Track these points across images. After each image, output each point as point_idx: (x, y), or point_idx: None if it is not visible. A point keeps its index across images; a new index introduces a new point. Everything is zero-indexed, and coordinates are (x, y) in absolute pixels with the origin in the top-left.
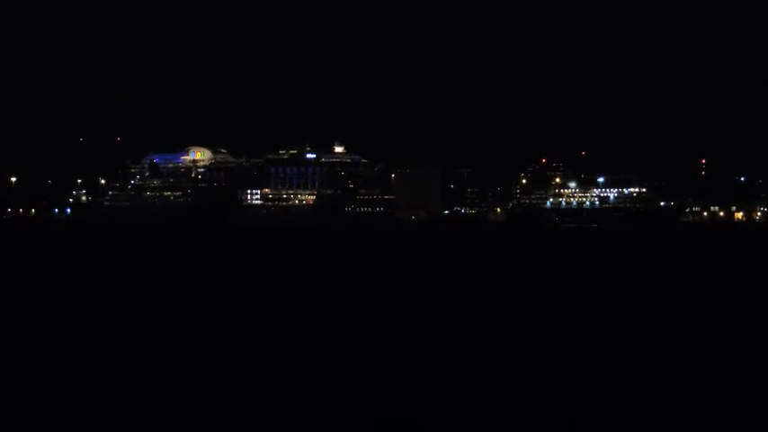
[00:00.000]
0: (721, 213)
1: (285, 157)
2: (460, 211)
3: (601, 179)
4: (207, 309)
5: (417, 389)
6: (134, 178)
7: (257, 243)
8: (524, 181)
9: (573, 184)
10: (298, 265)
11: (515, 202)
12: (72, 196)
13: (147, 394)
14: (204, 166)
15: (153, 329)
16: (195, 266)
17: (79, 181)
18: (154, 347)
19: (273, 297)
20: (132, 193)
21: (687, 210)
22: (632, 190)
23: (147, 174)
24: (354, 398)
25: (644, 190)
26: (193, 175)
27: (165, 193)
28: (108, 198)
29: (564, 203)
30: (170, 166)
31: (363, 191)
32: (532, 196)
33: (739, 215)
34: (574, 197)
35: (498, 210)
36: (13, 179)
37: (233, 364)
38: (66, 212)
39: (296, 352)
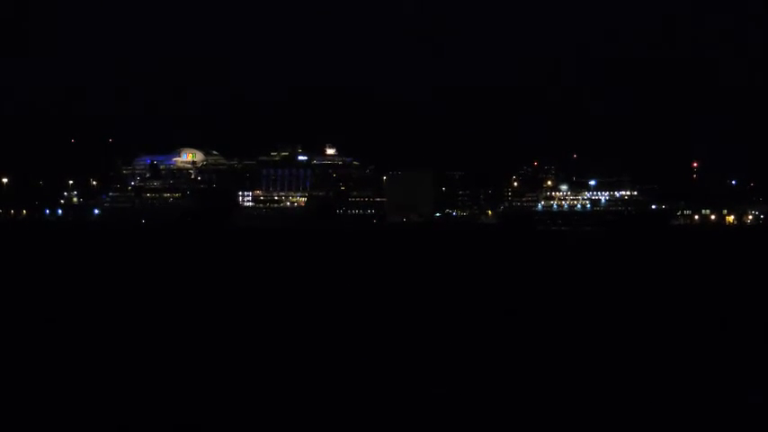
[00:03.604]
0: (713, 216)
1: (277, 158)
2: (452, 213)
3: (592, 182)
4: (207, 311)
5: (410, 390)
6: (134, 179)
7: (258, 245)
8: (516, 184)
9: (564, 187)
10: (295, 266)
11: (507, 204)
12: (63, 198)
13: (139, 398)
14: (196, 168)
15: (156, 332)
16: (199, 268)
17: (71, 182)
18: (146, 350)
19: (270, 299)
20: (132, 194)
21: (679, 213)
22: (624, 193)
23: (147, 175)
24: (350, 398)
25: (635, 193)
26: (193, 177)
27: (165, 195)
28: (108, 200)
29: (555, 206)
30: (162, 167)
31: (355, 193)
32: (524, 199)
33: (730, 218)
34: (565, 200)
35: (490, 212)
36: (5, 180)
37: (229, 367)
38: (58, 214)
39: (293, 354)
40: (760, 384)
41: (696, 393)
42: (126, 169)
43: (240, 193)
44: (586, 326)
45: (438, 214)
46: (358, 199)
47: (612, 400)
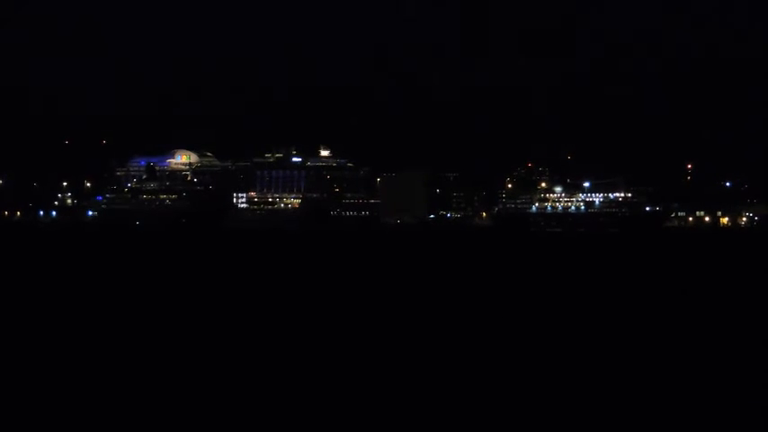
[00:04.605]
0: (707, 218)
1: (271, 160)
2: (446, 215)
3: (586, 184)
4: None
5: (407, 391)
6: (129, 181)
7: (253, 248)
8: (510, 185)
9: (559, 189)
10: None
11: (501, 206)
12: (57, 199)
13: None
14: (191, 170)
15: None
16: (198, 270)
17: (65, 184)
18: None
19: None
20: (129, 196)
21: (673, 215)
22: (618, 195)
23: (143, 176)
24: (349, 398)
25: (630, 195)
26: (189, 178)
27: (162, 197)
28: (104, 201)
29: (549, 208)
30: (156, 169)
31: (349, 195)
32: (518, 201)
33: (725, 220)
34: (559, 202)
35: (484, 214)
36: None
37: (227, 369)
38: (52, 215)
39: (291, 355)
40: (757, 384)
41: (693, 393)
42: (120, 171)
43: (235, 194)
44: (583, 327)
45: (432, 216)
46: (352, 201)
47: (611, 401)
